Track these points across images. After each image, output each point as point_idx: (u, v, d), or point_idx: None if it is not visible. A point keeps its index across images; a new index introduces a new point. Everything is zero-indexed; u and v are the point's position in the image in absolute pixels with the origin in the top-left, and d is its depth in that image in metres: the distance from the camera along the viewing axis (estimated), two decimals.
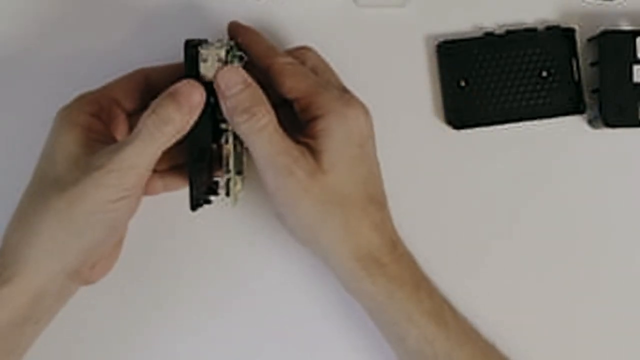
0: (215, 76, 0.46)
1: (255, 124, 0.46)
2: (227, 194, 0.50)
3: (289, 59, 0.50)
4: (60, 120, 0.47)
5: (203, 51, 0.46)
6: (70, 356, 0.54)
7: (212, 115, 0.48)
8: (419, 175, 0.54)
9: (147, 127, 0.44)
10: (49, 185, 0.45)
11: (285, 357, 0.55)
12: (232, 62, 0.47)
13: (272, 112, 0.47)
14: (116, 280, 0.51)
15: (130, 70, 0.51)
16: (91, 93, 0.49)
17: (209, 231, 0.55)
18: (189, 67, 0.46)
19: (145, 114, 0.44)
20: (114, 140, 0.48)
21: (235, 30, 0.51)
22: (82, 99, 0.48)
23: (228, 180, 0.49)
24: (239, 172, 0.51)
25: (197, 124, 0.46)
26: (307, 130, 0.48)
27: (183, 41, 0.46)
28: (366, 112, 0.49)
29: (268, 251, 0.55)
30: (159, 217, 0.53)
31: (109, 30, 0.56)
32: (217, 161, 0.50)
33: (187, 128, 0.45)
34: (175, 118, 0.44)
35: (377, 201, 0.49)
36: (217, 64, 0.46)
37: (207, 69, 0.46)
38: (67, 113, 0.48)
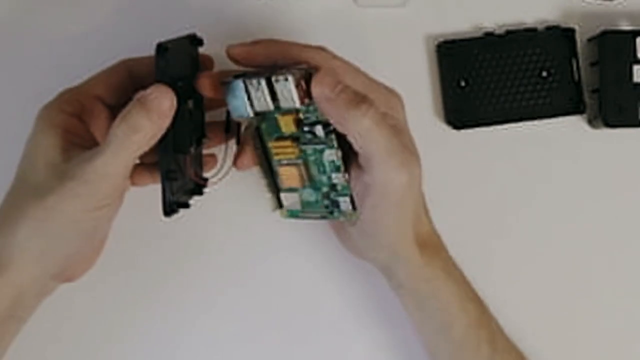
0: (312, 87, 0.43)
1: (376, 114, 0.43)
2: (354, 207, 0.47)
3: (331, 54, 0.48)
4: (40, 121, 0.46)
5: (290, 81, 0.43)
6: (59, 352, 0.54)
7: (191, 117, 0.47)
8: None
9: (117, 136, 0.42)
10: (29, 192, 0.44)
11: (283, 355, 0.55)
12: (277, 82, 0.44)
13: None
14: (106, 274, 0.52)
15: (116, 57, 0.49)
16: (72, 90, 0.48)
17: (201, 222, 0.55)
18: (161, 71, 0.44)
19: (115, 122, 0.43)
20: (94, 142, 0.47)
21: (251, 51, 0.47)
22: (62, 97, 0.47)
23: (349, 191, 0.47)
24: None
25: (172, 127, 0.44)
26: None
27: (179, 35, 0.45)
28: None
29: (262, 246, 0.55)
30: (149, 209, 0.52)
31: (93, 16, 0.55)
32: (195, 163, 0.49)
33: (159, 134, 0.44)
34: (145, 125, 0.42)
35: (422, 190, 0.50)
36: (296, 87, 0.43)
37: (292, 95, 0.43)
38: (47, 113, 0.46)
